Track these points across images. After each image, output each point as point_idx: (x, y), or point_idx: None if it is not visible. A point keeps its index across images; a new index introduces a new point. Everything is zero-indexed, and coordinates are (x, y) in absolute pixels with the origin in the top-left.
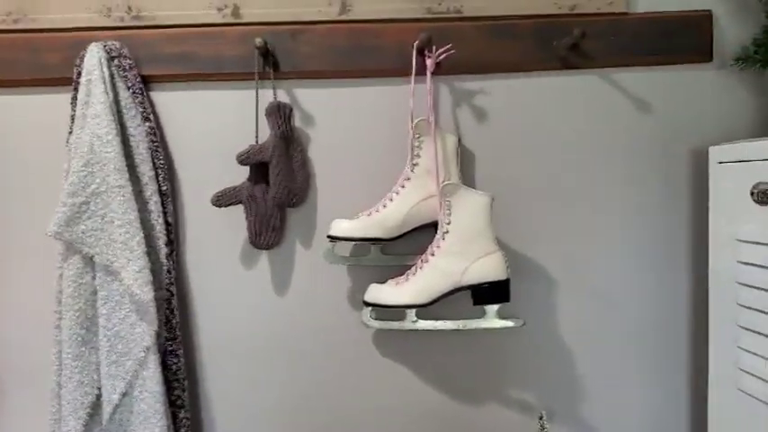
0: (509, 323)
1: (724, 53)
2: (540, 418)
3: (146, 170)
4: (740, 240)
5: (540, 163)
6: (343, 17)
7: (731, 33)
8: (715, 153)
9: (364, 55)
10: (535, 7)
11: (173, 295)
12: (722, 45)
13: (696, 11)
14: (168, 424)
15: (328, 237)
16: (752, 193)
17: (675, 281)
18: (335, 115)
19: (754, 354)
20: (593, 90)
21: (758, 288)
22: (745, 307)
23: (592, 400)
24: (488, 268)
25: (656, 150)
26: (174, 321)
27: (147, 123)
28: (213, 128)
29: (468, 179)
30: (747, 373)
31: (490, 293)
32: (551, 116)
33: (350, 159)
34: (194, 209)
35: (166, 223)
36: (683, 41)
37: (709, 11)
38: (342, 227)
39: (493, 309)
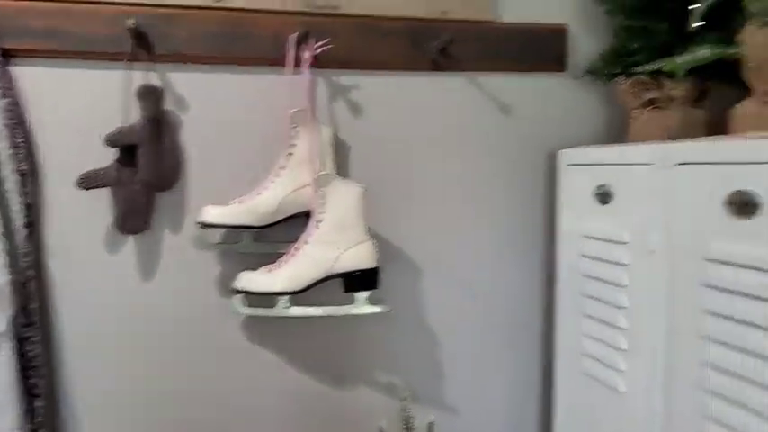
0: (377, 309)
1: (577, 64)
2: (403, 399)
3: (1, 149)
4: (585, 236)
5: (409, 158)
6: (220, 4)
7: (584, 47)
8: (564, 156)
9: (240, 43)
10: (409, 10)
11: (31, 279)
12: (576, 57)
13: (554, 24)
14: (20, 413)
15: (198, 223)
16: (594, 194)
17: (530, 272)
18: (210, 101)
19: (597, 339)
20: (460, 92)
21: (599, 279)
22: (588, 296)
23: (453, 382)
24: (359, 257)
25: (515, 151)
26: (31, 307)
27: (5, 99)
28: (81, 108)
29: (342, 171)
30: (590, 357)
31: (360, 281)
32: (421, 114)
33: (224, 146)
34: (58, 191)
35: (26, 205)
36: (542, 51)
37: (565, 25)
38: (212, 213)
39: (363, 296)
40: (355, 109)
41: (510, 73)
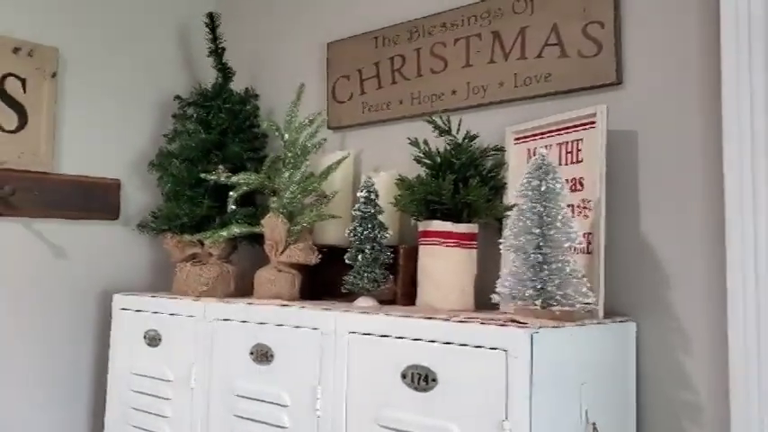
0: None
1: (129, 214)
2: None
3: None
4: (135, 374)
5: None
6: None
7: (137, 200)
8: (117, 300)
9: None
10: None
11: None
12: (128, 208)
13: (109, 178)
14: None
15: None
16: (144, 336)
17: (75, 409)
18: None
19: None
20: (18, 236)
21: (146, 412)
22: (134, 427)
23: None
24: None
25: (69, 293)
26: None
27: None
28: None
29: None
30: None
31: None
32: None
33: None
34: None
35: None
36: (98, 201)
37: (118, 179)
38: None
39: None
40: None
41: (67, 220)
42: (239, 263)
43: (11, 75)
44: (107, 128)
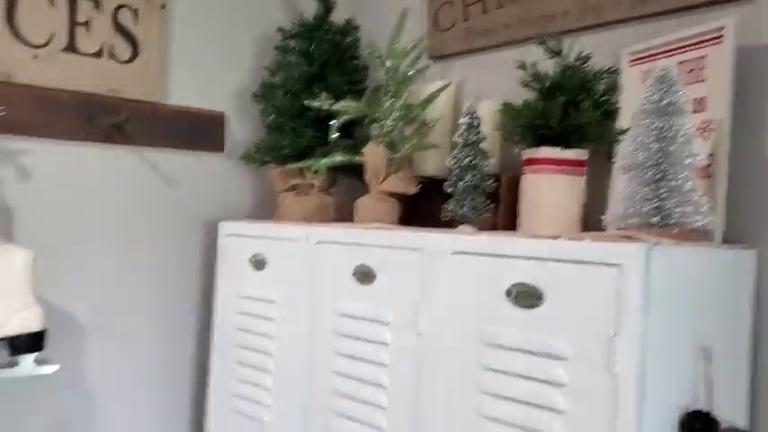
0: (45, 370)
1: (233, 146)
2: None
3: None
4: (241, 296)
5: (78, 224)
6: None
7: (240, 133)
8: (224, 227)
9: None
10: (81, 85)
11: None
12: (233, 141)
13: (214, 111)
14: None
15: None
16: (250, 261)
17: (186, 330)
18: None
19: (247, 381)
20: (129, 164)
21: (251, 332)
22: (240, 347)
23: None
24: (25, 320)
25: (177, 220)
26: None
27: None
28: None
29: (7, 235)
30: (240, 396)
31: (26, 344)
32: (92, 182)
33: None
34: None
35: None
36: (203, 133)
37: (222, 112)
38: None
39: (29, 357)
40: (24, 174)
41: (175, 150)
42: (338, 195)
43: (123, 6)
44: (212, 61)
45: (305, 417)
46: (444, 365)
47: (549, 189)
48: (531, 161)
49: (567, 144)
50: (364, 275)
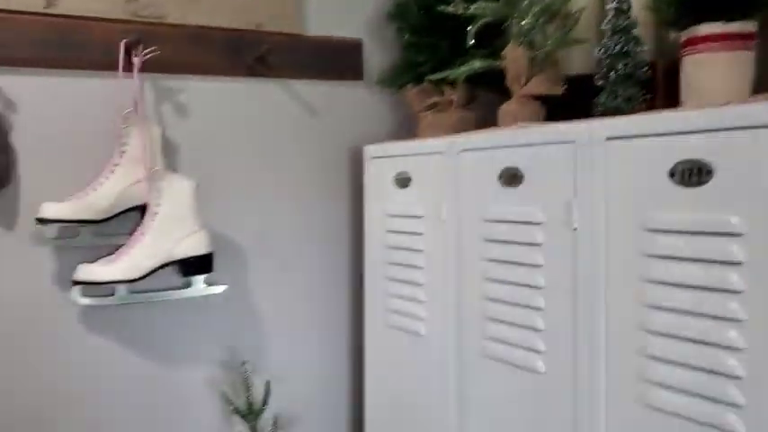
0: (214, 290)
1: (371, 72)
2: (242, 364)
3: None
4: (388, 215)
5: (231, 155)
6: (49, 10)
7: (377, 58)
8: (368, 151)
9: (71, 48)
10: (227, 21)
11: None
12: (370, 67)
13: (351, 38)
14: None
15: (37, 219)
16: (394, 180)
17: (338, 251)
18: (42, 104)
19: (398, 297)
20: (274, 96)
21: (400, 249)
22: (390, 264)
23: (278, 346)
24: (194, 244)
25: (323, 148)
26: None
27: None
28: None
29: (170, 167)
30: (395, 312)
31: (196, 266)
32: (241, 115)
33: (56, 146)
34: None
35: None
36: (343, 61)
37: (359, 39)
38: (51, 209)
39: (199, 279)
40: (181, 110)
41: (317, 80)
42: (479, 110)
43: None
44: None
45: (459, 326)
46: (603, 258)
47: (713, 70)
48: (689, 41)
49: (730, 17)
50: (511, 177)
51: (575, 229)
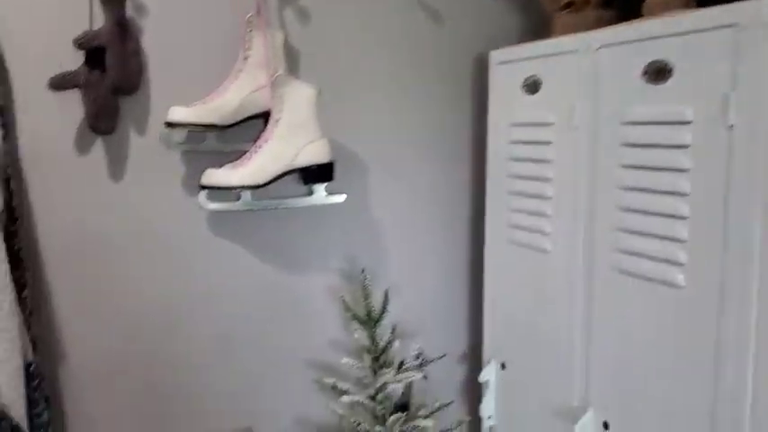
0: (335, 199)
1: None
2: (363, 271)
3: None
4: (513, 124)
5: (354, 62)
6: None
7: None
8: (494, 56)
9: None
10: None
11: (10, 178)
12: None
13: None
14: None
15: (166, 123)
16: (522, 86)
17: (459, 163)
18: (169, 8)
19: (520, 211)
20: (401, 3)
21: (525, 160)
22: (514, 176)
23: (396, 257)
24: (316, 152)
25: (449, 55)
26: (14, 203)
27: None
28: (50, 12)
29: (293, 73)
30: (517, 227)
31: (318, 174)
32: (362, 23)
33: (183, 51)
34: (29, 93)
35: None
36: None
37: None
38: (179, 113)
39: (320, 187)
40: (304, 16)
41: None
42: (619, 10)
43: None
44: None
45: (590, 241)
46: (762, 159)
47: None
48: None
49: None
50: (657, 73)
51: (731, 127)
